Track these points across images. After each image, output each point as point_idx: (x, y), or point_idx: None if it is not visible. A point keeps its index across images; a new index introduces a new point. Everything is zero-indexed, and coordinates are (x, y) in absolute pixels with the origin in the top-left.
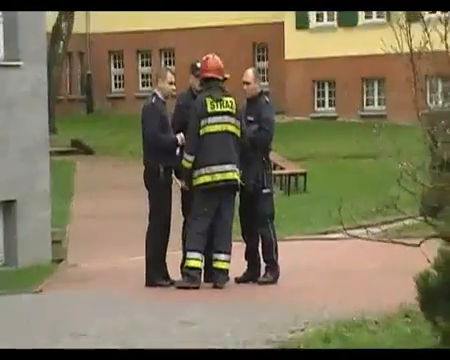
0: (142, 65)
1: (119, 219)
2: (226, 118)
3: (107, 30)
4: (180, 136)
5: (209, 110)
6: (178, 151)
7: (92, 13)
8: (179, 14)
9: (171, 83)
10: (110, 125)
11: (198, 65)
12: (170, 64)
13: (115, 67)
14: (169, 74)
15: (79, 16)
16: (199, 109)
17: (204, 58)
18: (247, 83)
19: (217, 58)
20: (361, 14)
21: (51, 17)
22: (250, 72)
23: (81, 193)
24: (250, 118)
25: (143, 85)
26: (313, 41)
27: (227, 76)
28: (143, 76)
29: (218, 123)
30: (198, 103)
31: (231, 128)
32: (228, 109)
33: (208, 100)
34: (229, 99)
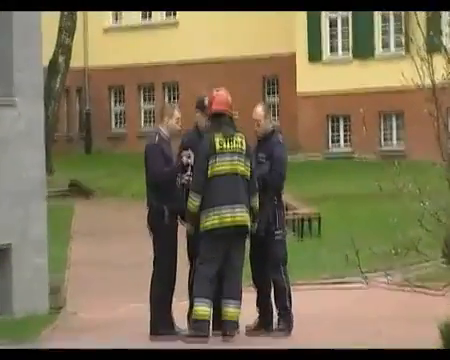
0: (144, 101)
1: (121, 265)
2: (236, 158)
3: (106, 64)
4: (186, 154)
5: (218, 149)
6: (185, 189)
7: (90, 46)
8: (183, 46)
9: (178, 120)
10: (110, 165)
11: (205, 101)
12: (174, 99)
13: (115, 103)
14: (176, 111)
15: (77, 49)
16: (207, 147)
17: (214, 92)
18: (257, 121)
19: (226, 93)
20: (378, 45)
21: (48, 51)
22: (260, 109)
23: (80, 238)
24: (261, 157)
25: (145, 122)
26: (327, 74)
27: (236, 116)
28: (145, 113)
29: (227, 163)
30: (206, 141)
31: (241, 168)
32: (238, 148)
33: (217, 138)
34: (239, 137)
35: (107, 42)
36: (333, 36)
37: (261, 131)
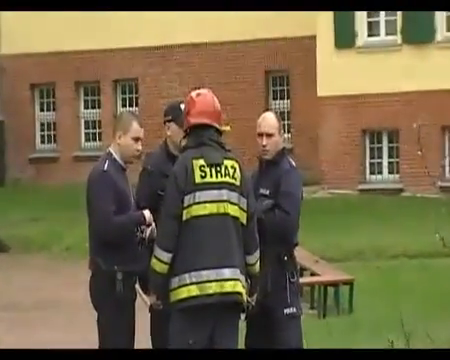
0: (86, 106)
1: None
2: (225, 193)
3: (29, 50)
4: (148, 213)
5: (198, 180)
6: (146, 244)
7: (4, 25)
8: (145, 24)
9: (137, 139)
10: (34, 205)
11: (182, 107)
12: (131, 105)
13: (42, 110)
14: (135, 124)
15: None
16: (182, 178)
17: (192, 95)
18: (269, 135)
19: (212, 96)
20: (440, 25)
21: None
22: (272, 119)
23: None
24: (263, 191)
25: (88, 139)
26: (362, 67)
27: (227, 128)
28: (87, 124)
29: (212, 201)
30: (180, 168)
31: (233, 210)
32: (228, 179)
33: (196, 163)
34: (231, 163)
35: (29, 16)
36: (373, 12)
37: (273, 150)
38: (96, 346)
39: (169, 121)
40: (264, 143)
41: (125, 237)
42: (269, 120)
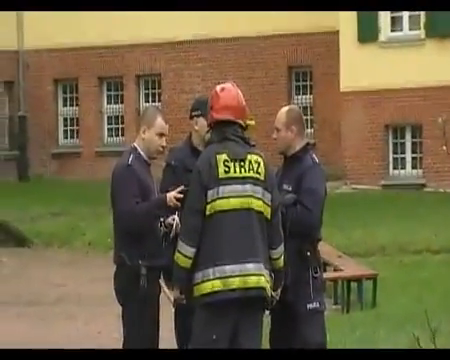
0: (108, 101)
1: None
2: (249, 188)
3: (51, 45)
4: (171, 196)
5: (221, 175)
6: (170, 239)
7: (27, 18)
8: (168, 18)
9: (162, 135)
10: (56, 200)
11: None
12: (154, 101)
13: (65, 105)
14: (159, 119)
15: (6, 22)
16: (206, 173)
17: (217, 89)
18: (277, 130)
19: (236, 90)
20: None
21: None
22: (282, 113)
23: (9, 311)
24: (286, 186)
25: (110, 134)
26: (386, 62)
27: (251, 122)
28: (110, 119)
29: (236, 196)
30: (204, 163)
31: (257, 204)
32: (252, 174)
33: (220, 158)
34: (255, 158)
35: (52, 11)
36: None
37: (280, 145)
38: (118, 341)
39: (198, 116)
40: (273, 136)
41: (150, 224)
42: (278, 115)
